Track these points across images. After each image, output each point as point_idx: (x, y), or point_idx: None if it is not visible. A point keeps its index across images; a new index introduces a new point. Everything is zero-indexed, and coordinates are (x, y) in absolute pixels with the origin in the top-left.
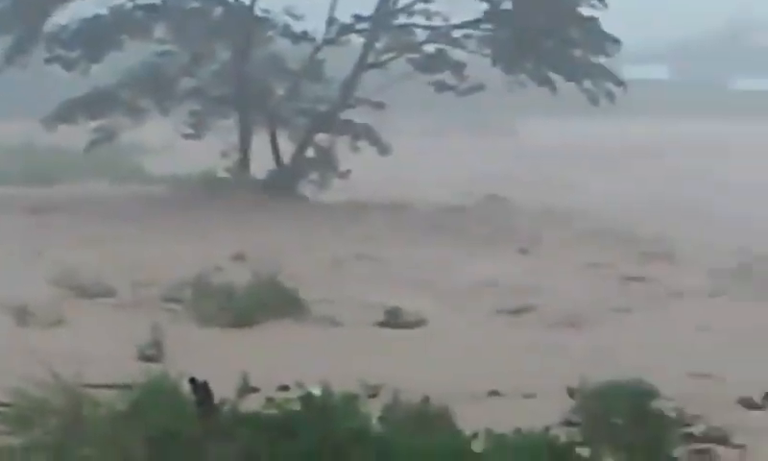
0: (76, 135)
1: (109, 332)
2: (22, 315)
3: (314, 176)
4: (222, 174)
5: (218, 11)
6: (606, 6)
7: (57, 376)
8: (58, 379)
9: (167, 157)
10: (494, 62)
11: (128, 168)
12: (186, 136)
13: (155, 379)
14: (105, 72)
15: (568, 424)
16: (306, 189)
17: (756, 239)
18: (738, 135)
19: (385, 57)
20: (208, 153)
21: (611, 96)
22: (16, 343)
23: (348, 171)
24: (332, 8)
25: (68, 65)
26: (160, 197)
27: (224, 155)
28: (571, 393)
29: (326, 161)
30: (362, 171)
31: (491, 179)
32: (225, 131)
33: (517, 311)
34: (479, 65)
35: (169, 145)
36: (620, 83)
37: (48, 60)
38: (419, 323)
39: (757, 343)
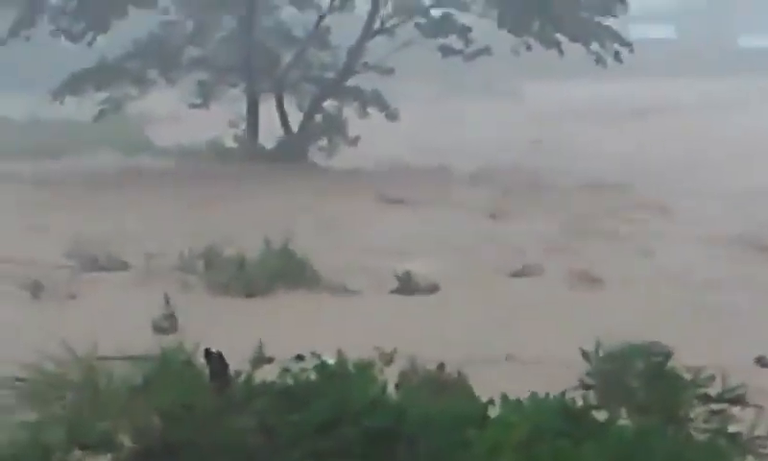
0: (81, 109)
1: (123, 305)
2: (35, 289)
3: (323, 142)
4: (230, 143)
5: None
6: None
7: (71, 349)
8: (72, 353)
9: (174, 127)
10: (501, 24)
11: (135, 139)
12: (193, 106)
13: (168, 351)
14: (110, 44)
15: (585, 387)
16: (315, 156)
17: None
18: (744, 92)
19: (391, 22)
20: (215, 122)
21: (618, 57)
22: (30, 317)
23: (358, 137)
24: None
25: (73, 37)
26: (168, 167)
27: (231, 124)
28: (585, 356)
29: (335, 128)
30: (371, 137)
31: (492, 143)
32: (231, 100)
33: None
34: (484, 29)
35: (175, 115)
36: (627, 43)
37: (53, 33)
38: (432, 288)
39: None
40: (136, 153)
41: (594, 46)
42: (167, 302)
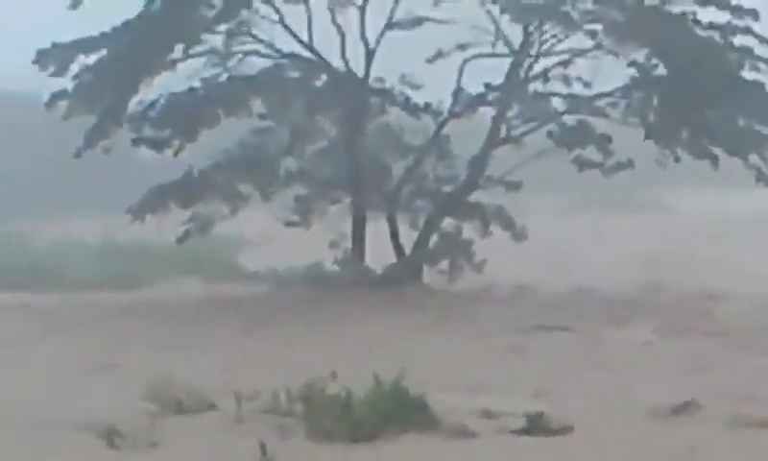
0: (162, 230)
1: (212, 453)
2: (111, 436)
3: (443, 265)
4: (332, 267)
5: (323, 80)
6: None
7: None
8: None
9: (268, 250)
10: (648, 135)
11: (223, 264)
12: (289, 225)
13: None
14: (197, 155)
15: None
16: (433, 280)
17: None
18: None
19: (519, 130)
20: (314, 244)
21: None
22: None
23: (484, 261)
24: (459, 76)
25: (157, 146)
26: (261, 296)
27: (332, 245)
28: None
29: (458, 249)
30: (496, 255)
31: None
32: (333, 218)
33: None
34: (624, 134)
35: (269, 235)
36: None
37: (134, 142)
38: (564, 429)
39: None
40: (225, 280)
41: (754, 158)
42: (263, 450)
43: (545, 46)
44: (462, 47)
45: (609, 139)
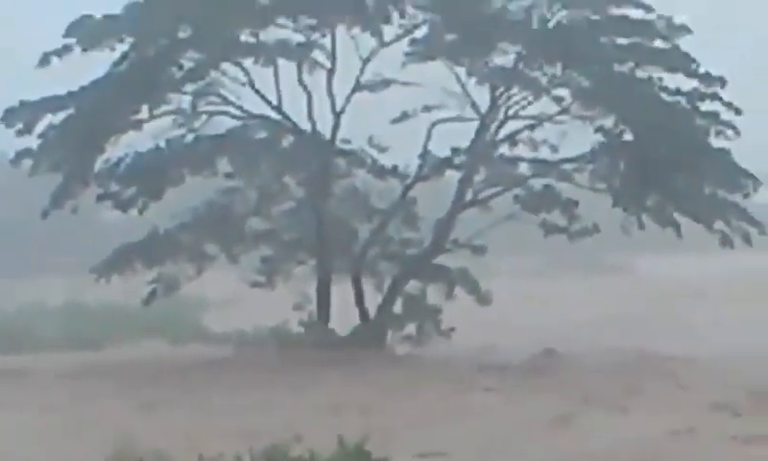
0: (128, 292)
1: None
2: None
3: (409, 330)
4: (297, 329)
5: (290, 141)
6: (739, 135)
7: None
8: None
9: (233, 311)
10: (616, 203)
11: (188, 325)
12: (255, 285)
13: None
14: (162, 214)
15: None
16: (397, 345)
17: None
18: None
19: (485, 193)
20: (279, 305)
21: (747, 239)
22: None
23: (452, 329)
24: (427, 139)
25: (123, 205)
26: (226, 357)
27: (296, 307)
28: None
29: (425, 314)
30: (461, 319)
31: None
32: (297, 280)
33: None
34: (587, 198)
35: (234, 297)
36: (757, 223)
37: (100, 198)
38: None
39: None
40: (190, 341)
41: (719, 224)
42: None
43: (513, 110)
44: (427, 109)
45: (575, 204)
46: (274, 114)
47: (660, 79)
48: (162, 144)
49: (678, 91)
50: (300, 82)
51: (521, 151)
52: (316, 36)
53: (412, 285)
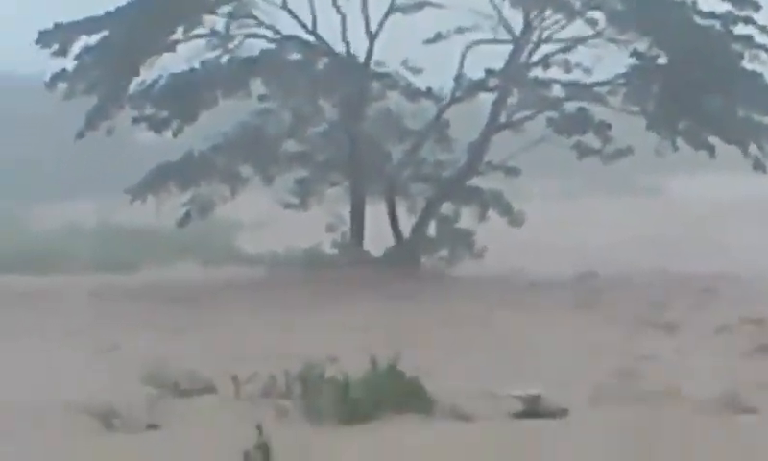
0: (162, 213)
1: (209, 435)
2: (109, 418)
3: (443, 252)
4: (330, 250)
5: (324, 63)
6: None
7: None
8: None
9: (267, 232)
10: (649, 126)
11: (221, 247)
12: (289, 207)
13: None
14: (196, 137)
15: None
16: (430, 265)
17: None
18: None
19: (518, 115)
20: (313, 227)
21: None
22: (105, 452)
23: (484, 248)
24: (461, 61)
25: (157, 126)
26: (259, 278)
27: (330, 229)
28: None
29: (459, 238)
30: (494, 240)
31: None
32: (330, 201)
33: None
34: (623, 122)
35: (269, 218)
36: None
37: (135, 120)
38: (560, 412)
39: None
40: (223, 263)
41: (753, 148)
42: (260, 432)
43: (546, 33)
44: (461, 31)
45: (608, 126)
46: (308, 36)
47: (695, 2)
48: (197, 66)
49: (712, 14)
50: (335, 3)
51: (555, 73)
52: None
53: (445, 207)
